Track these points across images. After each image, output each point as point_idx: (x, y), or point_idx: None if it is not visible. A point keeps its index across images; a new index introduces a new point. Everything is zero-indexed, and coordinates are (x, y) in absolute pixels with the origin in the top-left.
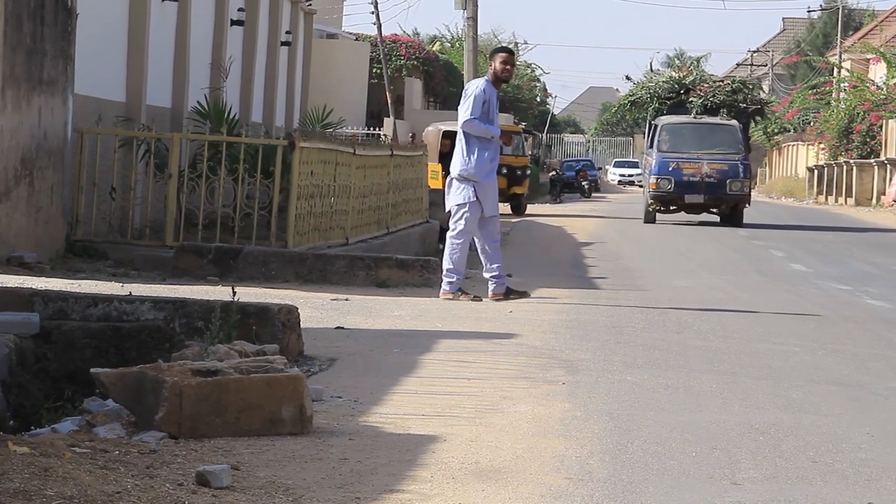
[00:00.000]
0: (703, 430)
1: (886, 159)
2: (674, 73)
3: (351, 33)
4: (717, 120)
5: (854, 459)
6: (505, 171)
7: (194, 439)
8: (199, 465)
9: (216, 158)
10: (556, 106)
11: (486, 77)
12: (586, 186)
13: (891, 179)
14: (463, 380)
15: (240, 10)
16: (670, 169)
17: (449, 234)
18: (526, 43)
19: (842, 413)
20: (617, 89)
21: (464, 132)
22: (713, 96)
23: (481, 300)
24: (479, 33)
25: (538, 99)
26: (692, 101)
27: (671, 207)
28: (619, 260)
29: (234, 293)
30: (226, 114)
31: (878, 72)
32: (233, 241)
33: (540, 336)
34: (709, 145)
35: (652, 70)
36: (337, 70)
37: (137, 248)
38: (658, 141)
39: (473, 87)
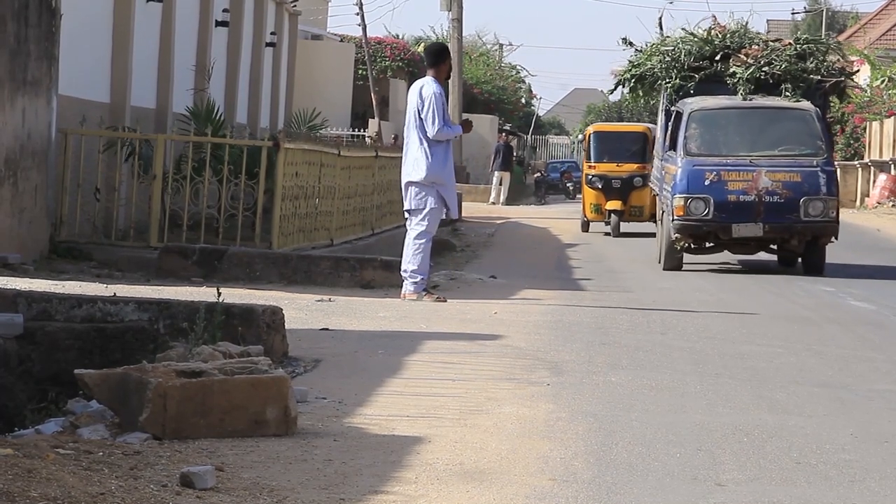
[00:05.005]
0: (687, 432)
1: (870, 161)
2: (701, 30)
3: (336, 34)
4: (778, 102)
5: (837, 461)
6: None
7: (178, 440)
8: (183, 466)
9: (201, 159)
10: (541, 108)
11: (430, 77)
12: (571, 188)
13: (874, 181)
14: (448, 381)
15: (224, 10)
16: (707, 183)
17: (411, 235)
18: (511, 44)
19: (826, 414)
20: (602, 90)
21: (423, 137)
22: (768, 65)
23: (445, 301)
24: (463, 35)
25: (523, 101)
26: (734, 74)
27: (707, 244)
28: (603, 261)
29: (220, 294)
30: (214, 114)
31: (861, 74)
32: (217, 242)
33: (524, 337)
34: (768, 143)
35: (662, 29)
36: (322, 71)
37: (122, 249)
38: (684, 138)
39: (429, 93)
